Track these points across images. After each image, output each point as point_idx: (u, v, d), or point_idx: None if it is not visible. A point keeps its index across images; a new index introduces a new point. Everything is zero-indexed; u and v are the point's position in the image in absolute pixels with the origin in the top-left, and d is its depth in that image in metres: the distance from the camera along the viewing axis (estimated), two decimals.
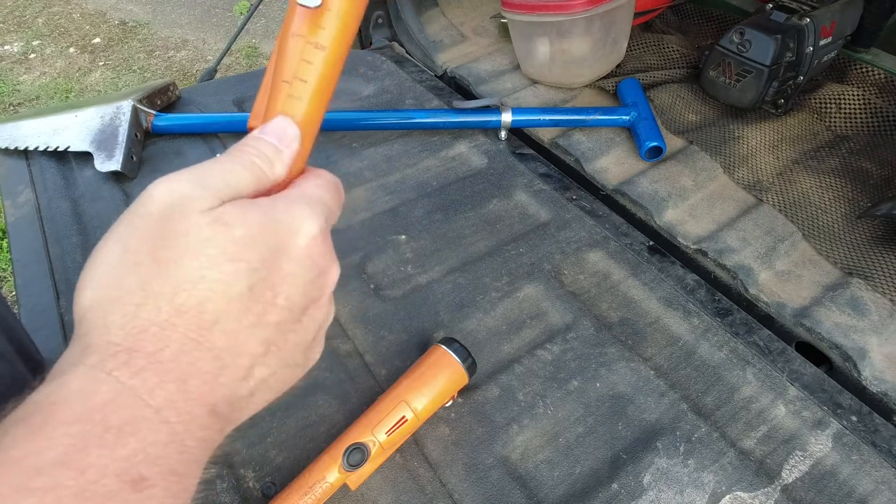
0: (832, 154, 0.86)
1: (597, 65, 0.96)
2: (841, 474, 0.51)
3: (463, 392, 0.56)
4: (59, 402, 0.22)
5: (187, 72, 2.66)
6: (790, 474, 0.51)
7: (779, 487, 0.50)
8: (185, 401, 0.24)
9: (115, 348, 0.24)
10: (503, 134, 0.89)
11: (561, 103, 0.96)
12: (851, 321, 0.63)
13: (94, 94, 2.55)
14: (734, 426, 0.54)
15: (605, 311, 0.64)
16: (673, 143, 0.86)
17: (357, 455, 0.48)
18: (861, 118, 0.89)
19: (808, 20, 0.82)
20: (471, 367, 0.53)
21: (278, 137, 0.31)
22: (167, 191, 0.26)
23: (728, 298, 0.66)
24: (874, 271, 0.69)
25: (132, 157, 0.83)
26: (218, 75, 1.21)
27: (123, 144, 0.82)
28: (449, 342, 0.54)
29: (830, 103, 0.92)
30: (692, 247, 0.73)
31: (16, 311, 0.61)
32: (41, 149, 0.85)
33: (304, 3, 0.31)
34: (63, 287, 0.67)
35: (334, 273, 0.31)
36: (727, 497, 0.50)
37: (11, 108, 2.49)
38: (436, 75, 1.08)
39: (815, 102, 0.93)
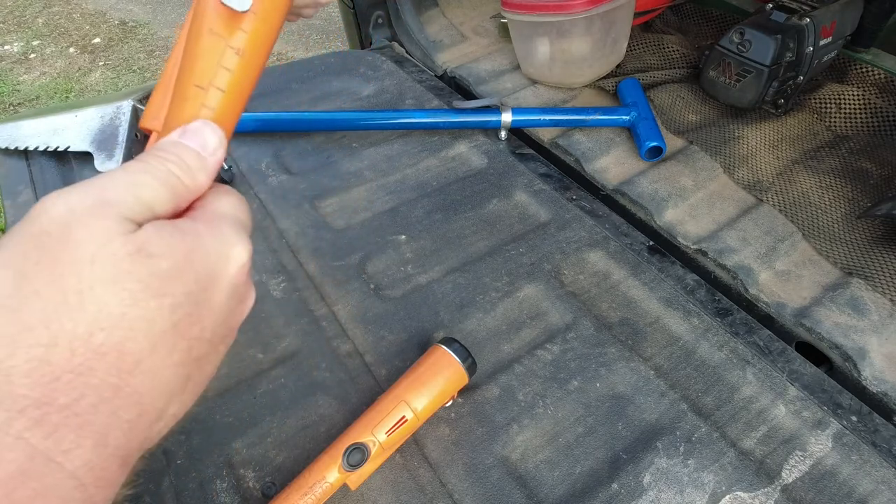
0: (832, 154, 0.86)
1: (597, 65, 0.96)
2: (841, 474, 0.51)
3: (463, 392, 0.56)
4: None
5: None
6: (790, 474, 0.51)
7: (779, 487, 0.50)
8: (103, 458, 0.22)
9: (22, 402, 0.20)
10: (503, 134, 0.89)
11: (561, 103, 0.96)
12: (851, 321, 0.63)
13: (94, 94, 2.55)
14: (734, 426, 0.54)
15: (605, 311, 0.64)
16: (673, 143, 0.86)
17: (357, 455, 0.48)
18: (861, 118, 0.89)
19: (808, 20, 0.82)
20: (471, 367, 0.53)
21: (201, 144, 0.27)
22: (65, 208, 0.22)
23: (728, 298, 0.66)
24: (874, 271, 0.69)
25: (132, 157, 0.82)
26: None
27: (123, 144, 0.82)
28: (449, 342, 0.54)
29: (830, 103, 0.92)
30: (692, 247, 0.73)
31: None
32: (41, 149, 0.85)
33: (229, 4, 0.27)
34: None
35: (251, 300, 0.29)
36: (727, 497, 0.50)
37: (11, 108, 2.49)
38: (436, 75, 1.08)
39: (815, 102, 0.93)
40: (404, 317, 0.64)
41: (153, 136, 0.30)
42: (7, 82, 2.63)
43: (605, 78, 0.99)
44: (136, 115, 0.86)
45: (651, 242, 0.73)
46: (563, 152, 0.88)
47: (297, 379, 0.58)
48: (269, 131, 0.89)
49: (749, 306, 0.67)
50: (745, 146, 0.87)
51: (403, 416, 0.50)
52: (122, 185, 0.24)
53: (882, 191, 0.79)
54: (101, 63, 2.76)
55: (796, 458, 0.52)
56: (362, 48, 1.19)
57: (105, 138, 0.83)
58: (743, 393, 0.57)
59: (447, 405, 0.55)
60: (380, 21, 1.18)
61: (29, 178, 0.83)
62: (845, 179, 0.82)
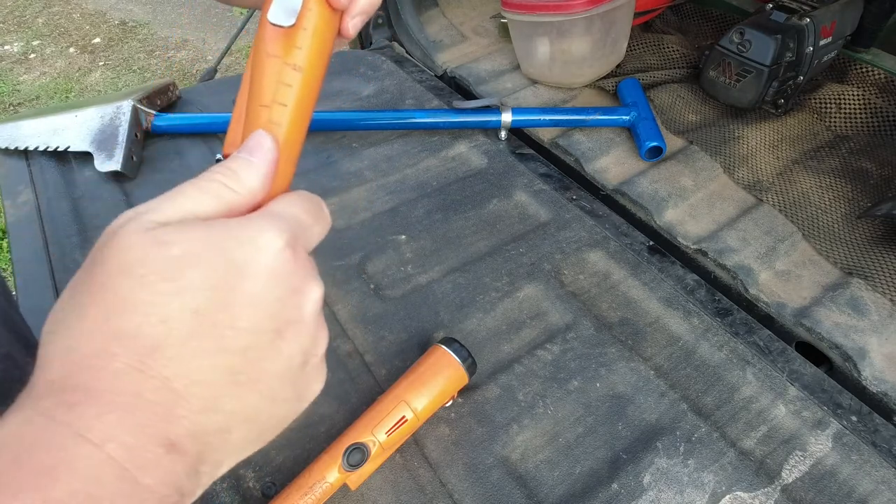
0: (832, 154, 0.86)
1: (597, 65, 0.96)
2: (841, 474, 0.51)
3: (463, 392, 0.56)
4: None
5: (187, 72, 2.66)
6: (790, 474, 0.51)
7: (779, 487, 0.50)
8: (133, 434, 0.22)
9: (50, 386, 0.22)
10: (503, 134, 0.89)
11: (561, 103, 0.96)
12: (851, 321, 0.63)
13: (94, 94, 2.55)
14: (734, 426, 0.54)
15: (605, 311, 0.64)
16: (673, 143, 0.86)
17: (357, 455, 0.48)
18: (861, 118, 0.89)
19: (808, 20, 0.82)
20: (471, 367, 0.53)
21: (249, 151, 0.28)
22: (116, 222, 0.24)
23: (728, 298, 0.66)
24: (874, 271, 0.69)
25: (132, 157, 0.83)
26: (218, 75, 1.21)
27: (123, 144, 0.82)
28: (449, 342, 0.54)
29: (830, 103, 0.92)
30: (692, 247, 0.73)
31: None
32: (41, 149, 0.85)
33: (276, 23, 0.29)
34: (63, 287, 0.67)
35: (314, 292, 0.28)
36: (727, 497, 0.50)
37: (11, 108, 2.49)
38: (436, 75, 1.08)
39: (816, 102, 0.93)
40: (404, 317, 0.64)
41: None
42: (7, 82, 2.63)
43: (605, 78, 0.99)
44: (136, 114, 0.86)
45: (651, 242, 0.73)
46: (563, 152, 0.88)
47: None
48: None
49: (749, 306, 0.67)
50: (745, 146, 0.87)
51: (403, 416, 0.50)
52: (165, 198, 0.25)
53: (882, 191, 0.79)
54: (101, 63, 2.76)
55: (796, 458, 0.52)
56: (362, 48, 1.19)
57: (105, 138, 0.83)
58: (743, 393, 0.57)
59: (447, 405, 0.55)
60: (380, 21, 1.18)
61: (29, 178, 0.83)
62: (845, 179, 0.82)
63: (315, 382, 0.31)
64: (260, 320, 0.25)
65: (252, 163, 0.28)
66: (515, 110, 0.88)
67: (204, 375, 0.24)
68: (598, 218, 0.76)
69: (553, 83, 1.00)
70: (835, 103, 0.91)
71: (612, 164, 0.85)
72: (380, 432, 0.49)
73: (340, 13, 0.32)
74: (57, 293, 0.67)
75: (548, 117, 0.88)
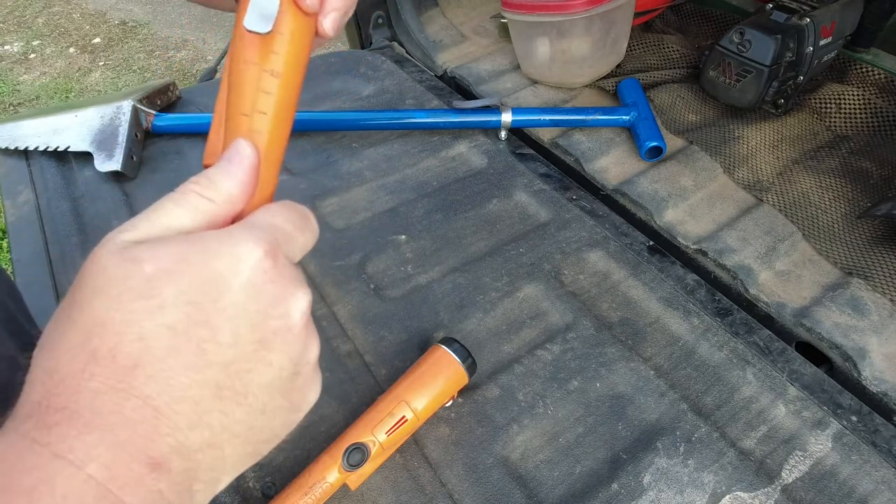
0: (832, 154, 0.86)
1: (597, 65, 0.96)
2: (841, 474, 0.51)
3: (463, 392, 0.56)
4: None
5: (187, 72, 2.66)
6: (790, 474, 0.51)
7: (779, 487, 0.50)
8: (114, 454, 0.22)
9: (31, 407, 0.22)
10: (503, 134, 0.89)
11: (561, 103, 0.96)
12: (851, 321, 0.63)
13: (94, 94, 2.55)
14: (734, 426, 0.54)
15: (605, 311, 0.64)
16: (673, 143, 0.86)
17: (357, 455, 0.48)
18: (861, 118, 0.89)
19: (808, 20, 0.82)
20: (471, 367, 0.53)
21: (228, 159, 0.28)
22: (100, 242, 0.25)
23: (728, 298, 0.66)
24: (874, 271, 0.69)
25: (132, 157, 0.83)
26: (218, 75, 1.21)
27: (123, 144, 0.82)
28: (449, 342, 0.54)
29: (830, 103, 0.92)
30: (692, 247, 0.73)
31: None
32: (41, 149, 0.85)
33: (253, 29, 0.29)
34: (63, 288, 0.67)
35: (300, 300, 0.27)
36: (727, 497, 0.50)
37: (11, 108, 2.49)
38: (436, 75, 1.08)
39: (816, 102, 0.93)
40: (404, 317, 0.64)
41: None
42: (7, 82, 2.63)
43: (605, 78, 0.99)
44: (136, 114, 0.86)
45: (651, 242, 0.73)
46: (563, 152, 0.88)
47: None
48: None
49: (749, 306, 0.67)
50: (745, 146, 0.87)
51: (403, 416, 0.50)
52: (143, 215, 0.25)
53: (882, 191, 0.79)
54: (101, 63, 2.76)
55: (796, 458, 0.52)
56: (362, 48, 1.19)
57: (105, 138, 0.83)
58: (743, 393, 0.57)
59: (447, 405, 0.55)
60: (380, 21, 1.18)
61: (29, 178, 0.83)
62: (845, 179, 0.82)
63: (310, 391, 0.31)
64: (242, 333, 0.25)
65: (230, 171, 0.27)
66: (515, 110, 0.88)
67: (186, 392, 0.23)
68: (598, 218, 0.76)
69: (553, 83, 1.00)
70: (835, 103, 0.91)
71: (612, 164, 0.85)
72: (380, 432, 0.49)
73: (315, 15, 0.31)
74: (57, 293, 0.67)
75: (548, 117, 0.88)
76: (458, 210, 0.77)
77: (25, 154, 0.87)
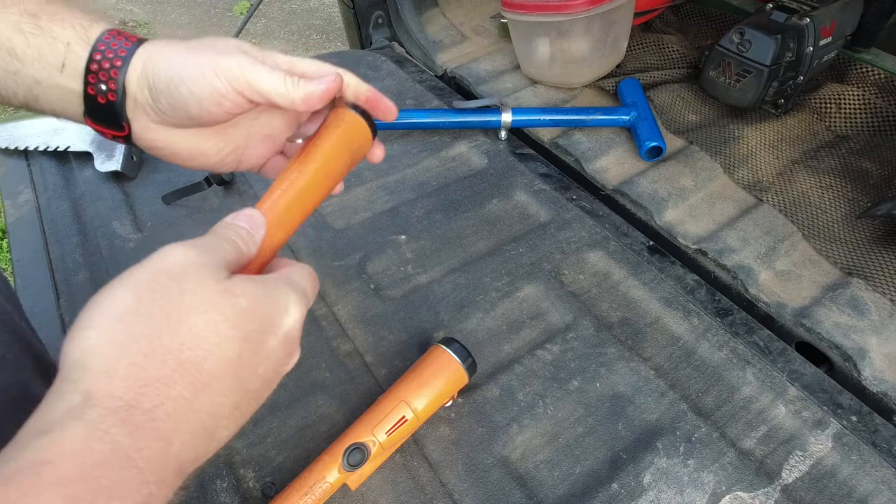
0: (832, 154, 0.86)
1: (597, 65, 0.96)
2: (841, 474, 0.51)
3: (463, 392, 0.56)
4: (53, 462, 0.23)
5: None
6: (790, 474, 0.51)
7: (779, 487, 0.50)
8: (164, 460, 0.25)
9: (115, 402, 0.25)
10: (503, 134, 0.89)
11: (561, 103, 0.96)
12: (851, 321, 0.63)
13: None
14: (734, 426, 0.54)
15: (605, 311, 0.64)
16: (673, 143, 0.86)
17: (357, 455, 0.48)
18: (861, 118, 0.89)
19: (809, 20, 0.82)
20: (471, 367, 0.53)
21: (249, 223, 0.35)
22: (182, 255, 0.29)
23: (728, 298, 0.66)
24: (874, 271, 0.69)
25: (132, 158, 0.83)
26: None
27: (123, 145, 0.82)
28: (449, 342, 0.54)
29: (830, 103, 0.92)
30: (692, 247, 0.73)
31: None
32: (41, 149, 0.85)
33: (294, 140, 0.46)
34: (63, 287, 0.67)
35: (296, 358, 0.34)
36: (727, 497, 0.50)
37: (11, 107, 2.49)
38: (436, 75, 1.08)
39: (815, 102, 0.93)
40: (404, 317, 0.64)
41: None
42: None
43: (605, 78, 0.99)
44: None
45: (651, 242, 0.73)
46: (563, 152, 0.88)
47: (297, 379, 0.58)
48: None
49: (749, 306, 0.67)
50: (745, 146, 0.87)
51: (403, 417, 0.50)
52: (216, 246, 0.31)
53: (882, 190, 0.79)
54: None
55: (796, 458, 0.52)
56: (362, 48, 1.19)
57: (105, 139, 0.83)
58: (743, 393, 0.57)
59: (447, 405, 0.55)
60: (380, 21, 1.18)
61: (29, 178, 0.83)
62: (845, 179, 0.82)
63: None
64: (268, 372, 0.31)
65: (253, 236, 0.35)
66: (515, 110, 0.88)
67: (222, 410, 0.28)
68: (598, 218, 0.76)
69: (553, 83, 1.00)
70: (835, 103, 0.91)
71: (612, 164, 0.85)
72: (380, 432, 0.49)
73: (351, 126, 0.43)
74: (57, 293, 0.67)
75: (548, 117, 0.88)
76: (458, 210, 0.77)
77: (25, 154, 0.87)
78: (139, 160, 0.85)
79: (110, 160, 0.81)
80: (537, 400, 0.56)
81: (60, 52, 0.38)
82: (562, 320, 0.63)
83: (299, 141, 0.45)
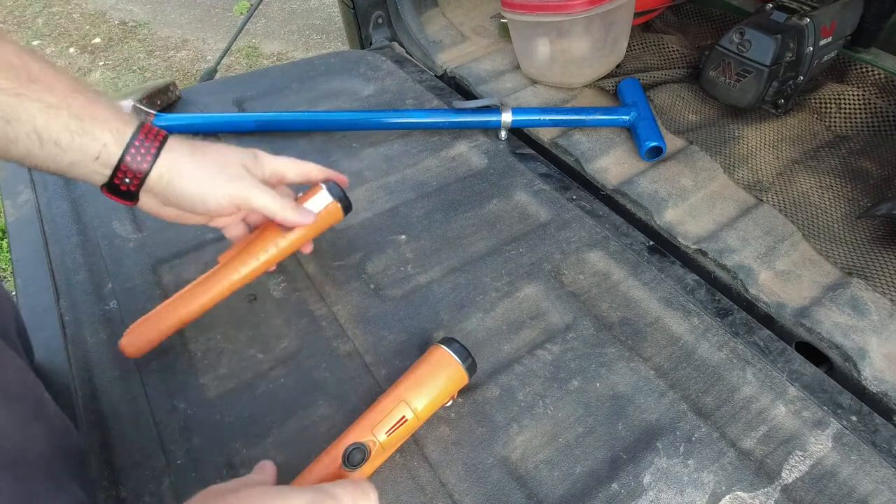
0: (832, 154, 0.86)
1: (597, 65, 0.96)
2: (841, 474, 0.51)
3: (463, 392, 0.56)
4: None
5: (187, 72, 2.66)
6: (790, 474, 0.51)
7: (779, 487, 0.50)
8: None
9: None
10: (503, 134, 0.89)
11: (561, 103, 0.96)
12: (851, 321, 0.63)
13: None
14: (734, 426, 0.54)
15: (605, 311, 0.64)
16: (673, 143, 0.86)
17: (357, 455, 0.48)
18: (861, 118, 0.90)
19: (808, 20, 0.82)
20: (471, 367, 0.53)
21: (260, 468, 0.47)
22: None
23: (728, 298, 0.66)
24: (874, 271, 0.69)
25: None
26: (218, 75, 1.21)
27: None
28: (449, 342, 0.54)
29: (830, 103, 0.92)
30: (692, 247, 0.73)
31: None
32: None
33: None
34: (63, 287, 0.67)
35: None
36: (727, 497, 0.50)
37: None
38: (436, 75, 1.08)
39: (815, 102, 0.93)
40: (404, 317, 0.64)
41: None
42: None
43: (605, 78, 0.99)
44: (136, 114, 0.86)
45: (651, 242, 0.73)
46: (563, 152, 0.88)
47: (297, 379, 0.58)
48: (269, 131, 0.89)
49: (749, 306, 0.67)
50: (745, 146, 0.87)
51: (403, 416, 0.50)
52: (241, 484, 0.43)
53: (882, 191, 0.79)
54: (100, 63, 2.76)
55: (796, 458, 0.52)
56: (362, 48, 1.19)
57: None
58: (743, 393, 0.57)
59: (447, 405, 0.55)
60: (380, 21, 1.18)
61: (29, 178, 0.83)
62: (845, 179, 0.82)
63: None
64: None
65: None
66: (515, 110, 0.88)
67: None
68: (598, 218, 0.76)
69: (553, 83, 1.00)
70: (835, 103, 0.91)
71: (612, 164, 0.85)
72: (380, 432, 0.49)
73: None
74: (57, 293, 0.67)
75: (548, 117, 0.88)
76: (458, 210, 0.77)
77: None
78: None
79: None
80: (537, 400, 0.56)
81: (97, 149, 0.46)
82: (562, 320, 0.63)
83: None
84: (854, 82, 0.93)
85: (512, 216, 0.76)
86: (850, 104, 0.90)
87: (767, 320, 0.66)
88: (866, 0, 0.88)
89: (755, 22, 0.84)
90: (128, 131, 0.48)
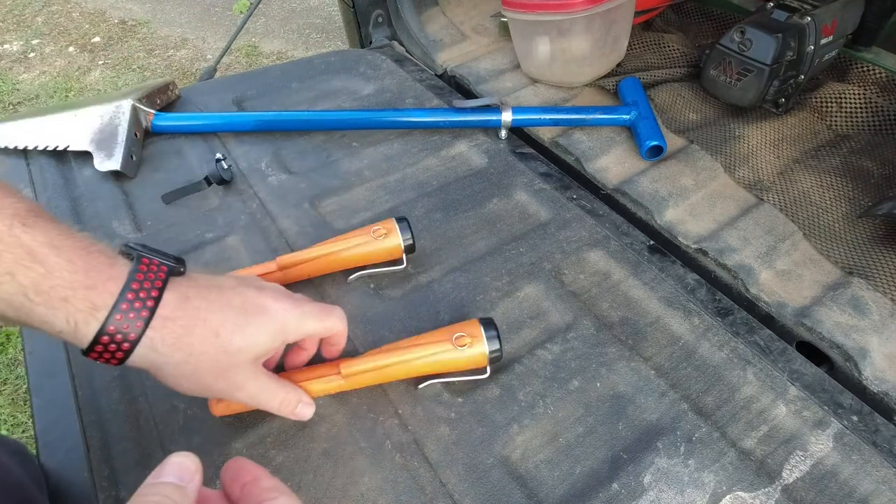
0: (833, 153, 0.86)
1: (597, 63, 0.96)
2: (842, 474, 0.51)
3: (463, 392, 0.56)
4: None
5: (187, 71, 2.66)
6: (791, 474, 0.51)
7: (779, 487, 0.50)
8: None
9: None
10: (503, 133, 0.89)
11: (561, 102, 0.96)
12: (852, 321, 0.63)
13: (94, 94, 2.54)
14: (735, 426, 0.54)
15: (605, 310, 0.64)
16: (673, 142, 0.86)
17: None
18: (862, 117, 0.89)
19: (810, 19, 0.82)
20: (494, 355, 0.55)
21: (179, 476, 0.32)
22: None
23: (729, 298, 0.66)
24: (875, 271, 0.68)
25: (132, 157, 0.82)
26: (218, 74, 1.21)
27: (123, 144, 0.82)
28: (487, 322, 0.56)
29: (831, 102, 0.92)
30: (693, 246, 0.73)
31: None
32: (41, 148, 0.85)
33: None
34: None
35: None
36: (728, 497, 0.50)
37: (11, 107, 2.49)
38: (436, 74, 1.08)
39: (816, 101, 0.93)
40: (404, 317, 0.64)
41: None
42: (6, 81, 2.63)
43: (605, 77, 0.99)
44: (135, 114, 0.86)
45: (651, 242, 0.72)
46: (564, 151, 0.88)
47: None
48: (268, 130, 0.89)
49: (750, 306, 0.67)
50: (746, 145, 0.87)
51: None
52: None
53: (883, 190, 0.79)
54: (100, 62, 2.76)
55: (797, 458, 0.52)
56: (362, 47, 1.19)
57: (105, 137, 0.83)
58: (743, 393, 0.57)
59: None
60: (380, 20, 1.18)
61: (28, 178, 0.83)
62: (846, 179, 0.82)
63: None
64: None
65: (184, 490, 0.32)
66: (516, 109, 0.87)
67: None
68: (599, 217, 0.75)
69: (553, 82, 0.99)
70: (836, 102, 0.91)
71: (612, 163, 0.85)
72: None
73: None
74: None
75: (548, 116, 0.88)
76: (458, 209, 0.76)
77: (25, 153, 0.87)
78: (139, 159, 0.85)
79: (110, 159, 0.80)
80: (537, 400, 0.56)
81: (59, 327, 0.38)
82: (562, 320, 0.63)
83: None
84: (855, 81, 0.93)
85: (512, 215, 0.76)
86: (851, 103, 0.90)
87: (768, 320, 0.66)
88: None
89: (756, 21, 0.84)
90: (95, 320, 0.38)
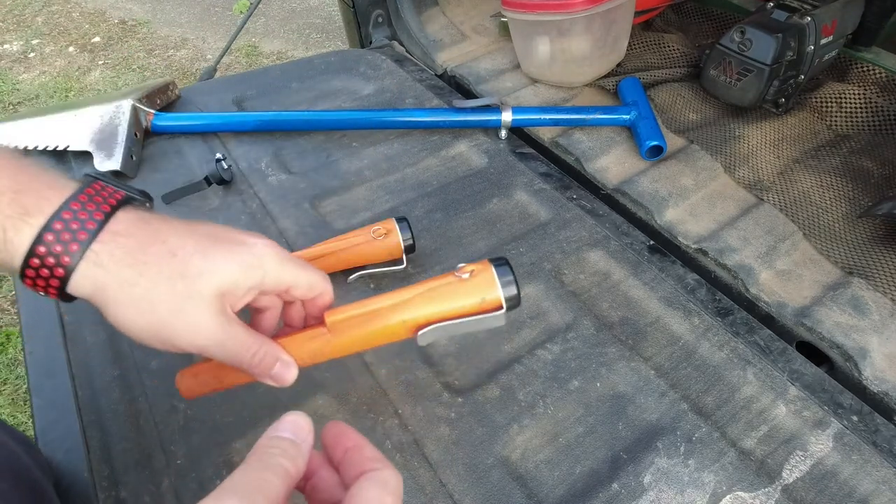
0: (833, 153, 0.86)
1: (597, 63, 0.96)
2: (842, 474, 0.51)
3: (463, 392, 0.56)
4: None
5: (187, 71, 2.66)
6: (791, 474, 0.51)
7: (779, 487, 0.50)
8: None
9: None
10: (503, 133, 0.89)
11: (561, 102, 0.96)
12: (852, 321, 0.63)
13: (94, 94, 2.54)
14: (735, 426, 0.54)
15: (605, 310, 0.64)
16: (673, 142, 0.86)
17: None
18: (862, 117, 0.89)
19: (810, 19, 0.82)
20: (511, 299, 0.46)
21: (294, 432, 0.33)
22: None
23: (729, 298, 0.66)
24: (875, 271, 0.68)
25: (132, 157, 0.82)
26: (218, 74, 1.21)
27: (123, 144, 0.82)
28: (499, 262, 0.47)
29: (831, 102, 0.92)
30: (693, 246, 0.73)
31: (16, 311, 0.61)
32: (41, 148, 0.85)
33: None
34: None
35: None
36: (728, 497, 0.50)
37: (11, 107, 2.49)
38: (436, 74, 1.08)
39: (816, 101, 0.93)
40: None
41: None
42: (6, 81, 2.63)
43: (605, 77, 0.99)
44: (135, 114, 0.86)
45: (651, 242, 0.72)
46: (564, 151, 0.88)
47: (297, 379, 0.58)
48: (268, 130, 0.89)
49: (750, 306, 0.67)
50: (746, 145, 0.87)
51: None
52: (255, 484, 0.28)
53: (883, 190, 0.79)
54: (100, 62, 2.76)
55: (797, 458, 0.52)
56: (362, 47, 1.19)
57: (105, 137, 0.83)
58: (743, 393, 0.57)
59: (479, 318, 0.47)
60: (380, 20, 1.18)
61: None
62: (846, 179, 0.82)
63: None
64: None
65: (300, 448, 0.33)
66: (516, 109, 0.87)
67: None
68: (599, 217, 0.75)
69: (553, 82, 0.99)
70: (836, 102, 0.91)
71: (612, 163, 0.85)
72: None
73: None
74: None
75: (548, 116, 0.88)
76: (458, 209, 0.76)
77: (25, 153, 0.87)
78: (139, 159, 0.85)
79: (110, 159, 0.80)
80: (537, 400, 0.56)
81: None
82: (562, 320, 0.63)
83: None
84: (855, 81, 0.93)
85: (512, 215, 0.76)
86: (851, 103, 0.90)
87: (768, 320, 0.66)
88: None
89: (756, 21, 0.84)
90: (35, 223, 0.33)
